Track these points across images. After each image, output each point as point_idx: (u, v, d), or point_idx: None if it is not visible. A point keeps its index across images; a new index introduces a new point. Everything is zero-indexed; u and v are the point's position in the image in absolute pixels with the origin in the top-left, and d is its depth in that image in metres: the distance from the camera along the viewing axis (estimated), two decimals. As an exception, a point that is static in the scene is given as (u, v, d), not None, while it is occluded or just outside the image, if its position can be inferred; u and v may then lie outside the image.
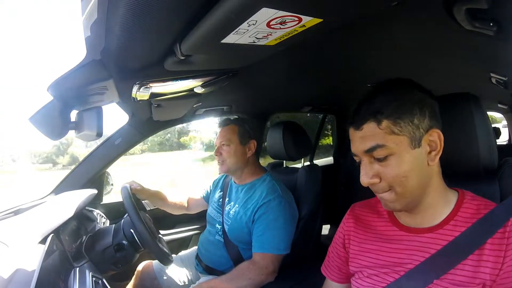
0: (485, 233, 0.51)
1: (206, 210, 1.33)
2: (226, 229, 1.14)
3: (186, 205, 1.39)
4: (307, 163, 2.11)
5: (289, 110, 2.01)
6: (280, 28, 0.53)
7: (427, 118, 0.53)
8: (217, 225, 1.19)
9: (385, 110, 0.52)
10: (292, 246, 1.06)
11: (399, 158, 0.52)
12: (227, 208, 1.18)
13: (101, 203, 1.40)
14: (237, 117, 1.28)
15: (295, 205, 1.13)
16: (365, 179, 0.55)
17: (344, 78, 1.34)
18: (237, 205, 1.14)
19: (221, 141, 1.17)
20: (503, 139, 4.20)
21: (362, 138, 0.54)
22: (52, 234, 0.76)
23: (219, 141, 1.18)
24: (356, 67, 1.16)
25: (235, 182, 1.23)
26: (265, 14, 0.46)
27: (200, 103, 1.31)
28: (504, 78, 1.15)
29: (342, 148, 2.55)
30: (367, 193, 0.74)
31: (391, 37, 0.82)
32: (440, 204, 0.57)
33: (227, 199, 1.21)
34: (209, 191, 1.38)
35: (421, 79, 0.58)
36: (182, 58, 0.64)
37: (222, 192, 1.26)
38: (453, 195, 0.58)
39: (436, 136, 0.54)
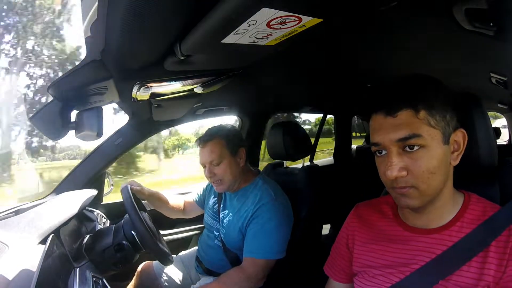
0: (490, 235, 0.51)
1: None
2: (223, 237, 1.13)
3: (182, 208, 1.37)
4: (308, 163, 2.11)
5: (289, 110, 2.01)
6: (280, 28, 0.53)
7: (456, 117, 0.53)
8: (214, 232, 1.19)
9: (425, 99, 0.51)
10: (292, 246, 1.06)
11: (431, 152, 0.51)
12: (221, 215, 1.17)
13: (101, 203, 1.40)
14: (216, 125, 1.15)
15: (290, 208, 1.11)
16: (393, 172, 0.51)
17: (344, 78, 1.34)
18: (231, 214, 1.12)
19: (211, 160, 1.05)
20: (503, 139, 4.20)
21: (395, 126, 0.51)
22: (52, 235, 0.76)
23: (208, 160, 1.06)
24: (356, 67, 1.16)
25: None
26: (265, 14, 0.46)
27: (200, 103, 1.31)
28: (504, 78, 1.15)
29: (342, 148, 2.55)
30: (368, 193, 0.74)
31: (391, 37, 0.83)
32: (449, 206, 0.57)
33: (221, 206, 1.19)
34: (201, 195, 1.36)
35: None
36: (182, 58, 0.64)
37: (216, 199, 1.24)
38: (459, 196, 0.58)
39: (460, 136, 0.54)
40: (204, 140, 1.08)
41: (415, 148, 0.51)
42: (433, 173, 0.51)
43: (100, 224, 1.19)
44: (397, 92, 0.53)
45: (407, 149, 0.51)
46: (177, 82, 0.87)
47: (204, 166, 1.09)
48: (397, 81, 0.55)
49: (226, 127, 1.14)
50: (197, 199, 1.36)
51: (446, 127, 0.52)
